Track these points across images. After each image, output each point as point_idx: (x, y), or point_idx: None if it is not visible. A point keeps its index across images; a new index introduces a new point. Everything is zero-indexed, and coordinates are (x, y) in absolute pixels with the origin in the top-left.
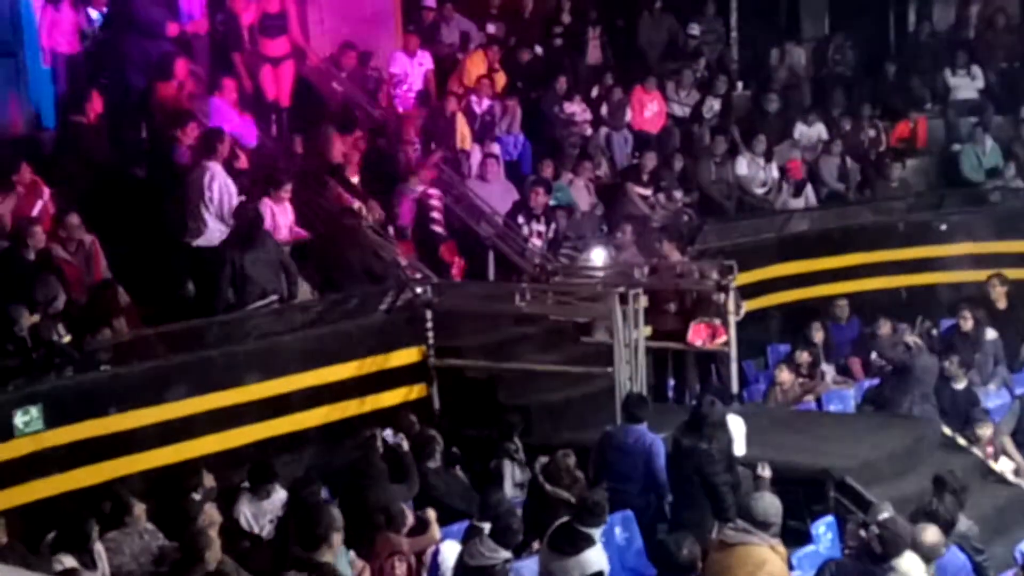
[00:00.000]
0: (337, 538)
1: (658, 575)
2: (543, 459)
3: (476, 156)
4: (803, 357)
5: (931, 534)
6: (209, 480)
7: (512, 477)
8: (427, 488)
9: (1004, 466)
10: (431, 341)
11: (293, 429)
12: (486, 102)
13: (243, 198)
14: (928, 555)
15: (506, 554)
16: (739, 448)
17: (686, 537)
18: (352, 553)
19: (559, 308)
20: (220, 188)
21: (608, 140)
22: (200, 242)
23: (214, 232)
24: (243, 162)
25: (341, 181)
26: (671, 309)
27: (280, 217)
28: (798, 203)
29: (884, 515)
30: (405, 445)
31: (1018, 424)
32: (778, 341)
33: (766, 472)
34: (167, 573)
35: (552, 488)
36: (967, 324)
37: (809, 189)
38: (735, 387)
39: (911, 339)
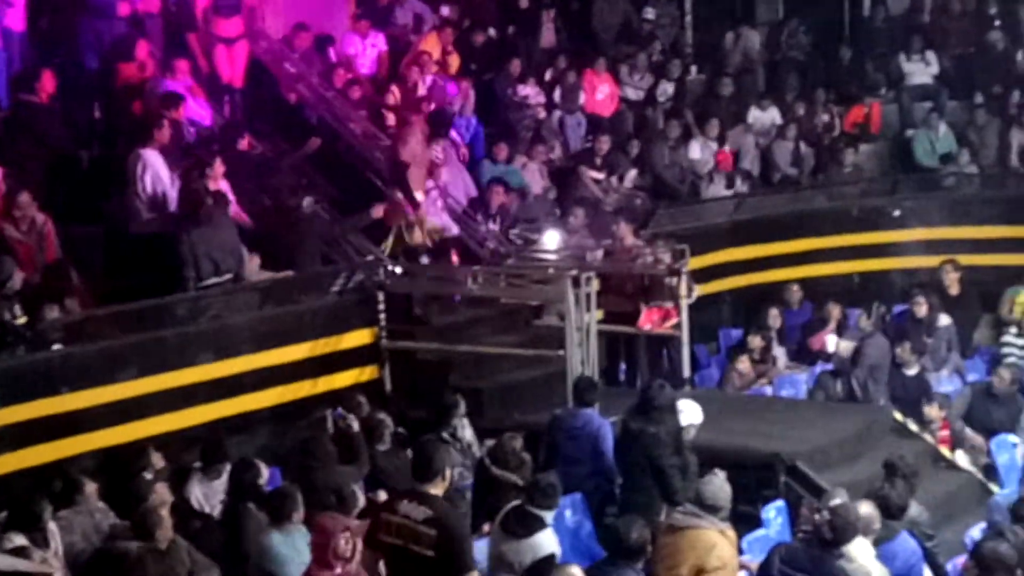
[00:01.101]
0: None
1: (608, 559)
2: (489, 442)
3: None
4: (756, 342)
5: (865, 507)
6: (157, 459)
7: None
8: (376, 471)
9: (959, 457)
10: (383, 323)
11: (245, 410)
12: (429, 78)
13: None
14: (865, 530)
15: None
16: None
17: (635, 521)
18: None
19: (511, 291)
20: (153, 178)
21: (561, 123)
22: (136, 230)
23: (151, 221)
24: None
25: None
26: (626, 291)
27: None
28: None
29: (837, 501)
30: (355, 426)
31: (969, 410)
32: (730, 325)
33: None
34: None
35: (499, 471)
36: (920, 310)
37: (739, 180)
38: (687, 371)
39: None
